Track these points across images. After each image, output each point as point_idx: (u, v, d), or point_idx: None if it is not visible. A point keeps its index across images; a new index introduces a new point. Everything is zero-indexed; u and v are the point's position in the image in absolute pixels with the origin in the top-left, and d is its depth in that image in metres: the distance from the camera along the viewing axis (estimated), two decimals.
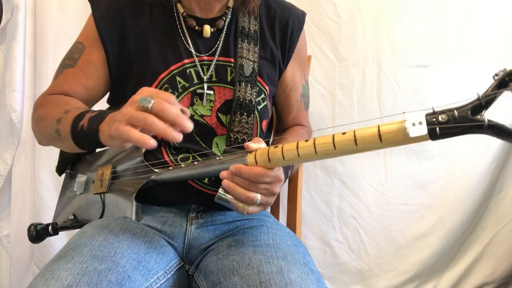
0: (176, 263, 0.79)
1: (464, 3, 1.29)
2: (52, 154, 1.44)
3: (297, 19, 0.93)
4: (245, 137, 0.83)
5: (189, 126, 0.58)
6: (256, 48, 0.87)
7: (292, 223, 1.05)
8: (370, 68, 1.34)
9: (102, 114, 0.68)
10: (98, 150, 0.94)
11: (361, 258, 1.43)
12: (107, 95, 0.92)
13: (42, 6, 1.38)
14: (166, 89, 0.81)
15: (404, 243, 1.41)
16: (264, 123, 0.89)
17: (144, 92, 0.60)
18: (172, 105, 0.57)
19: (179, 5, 0.87)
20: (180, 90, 0.82)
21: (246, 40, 0.86)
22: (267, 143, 0.99)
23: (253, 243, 0.75)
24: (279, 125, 1.03)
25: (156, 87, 0.81)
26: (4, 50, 1.42)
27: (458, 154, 1.35)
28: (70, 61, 0.86)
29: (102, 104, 0.93)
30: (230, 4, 0.89)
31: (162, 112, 0.56)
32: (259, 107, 0.86)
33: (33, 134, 1.43)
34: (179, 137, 0.57)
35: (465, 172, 1.36)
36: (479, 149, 1.34)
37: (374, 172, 1.39)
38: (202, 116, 0.83)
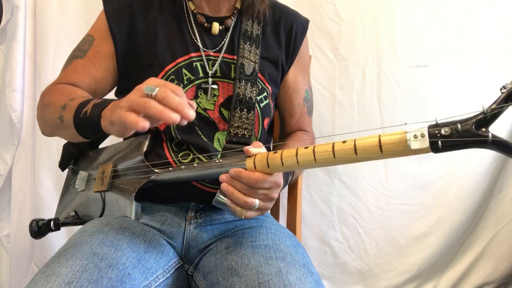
0: (175, 263, 0.79)
1: (464, 3, 1.29)
2: (52, 154, 1.44)
3: (300, 24, 0.96)
4: (245, 132, 0.84)
5: (191, 114, 0.57)
6: (258, 50, 0.89)
7: (292, 223, 1.05)
8: (370, 68, 1.34)
9: (106, 101, 0.69)
10: (100, 146, 0.95)
11: (361, 258, 1.43)
12: (115, 88, 0.93)
13: (42, 6, 1.38)
14: (172, 81, 0.83)
15: (404, 243, 1.41)
16: (266, 121, 0.90)
17: (151, 81, 0.60)
18: (177, 95, 0.57)
19: (189, 3, 0.89)
20: (185, 82, 0.84)
21: (248, 42, 0.88)
22: (268, 148, 0.99)
23: (252, 243, 0.75)
24: (282, 130, 1.04)
25: (162, 78, 0.83)
26: (4, 50, 1.42)
27: (458, 154, 1.35)
28: (79, 53, 0.88)
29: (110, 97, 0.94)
30: (238, 5, 0.92)
31: (164, 99, 0.56)
32: (261, 105, 0.87)
33: (33, 134, 1.45)
34: (175, 118, 0.56)
35: (465, 172, 1.36)
36: (479, 149, 1.34)
37: (374, 172, 1.39)
38: (205, 109, 0.85)
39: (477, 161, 1.35)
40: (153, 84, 0.58)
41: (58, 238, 1.47)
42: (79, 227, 0.84)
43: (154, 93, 0.57)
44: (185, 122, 0.58)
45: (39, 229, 0.91)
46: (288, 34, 0.93)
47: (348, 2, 1.33)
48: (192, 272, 0.81)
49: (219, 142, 0.85)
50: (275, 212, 1.14)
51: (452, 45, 1.31)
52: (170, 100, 0.56)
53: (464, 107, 1.31)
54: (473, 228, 1.43)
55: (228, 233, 0.83)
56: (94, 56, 0.87)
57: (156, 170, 0.78)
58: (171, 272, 0.77)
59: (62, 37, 1.40)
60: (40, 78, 1.41)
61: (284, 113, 1.00)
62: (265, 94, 0.88)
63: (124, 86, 0.91)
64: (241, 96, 0.84)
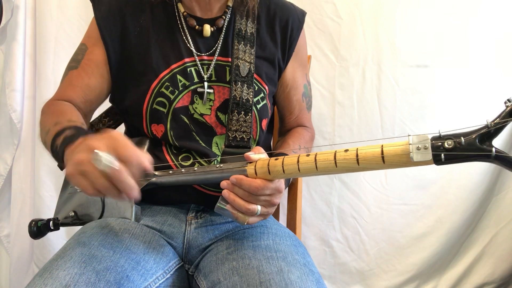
0: (176, 263, 0.79)
1: (464, 3, 1.29)
2: None
3: (296, 18, 0.93)
4: (244, 136, 0.83)
5: (135, 198, 0.59)
6: (253, 50, 0.87)
7: (292, 223, 1.05)
8: (370, 68, 1.34)
9: (73, 137, 0.67)
10: None
11: (361, 258, 1.43)
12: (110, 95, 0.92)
13: (42, 6, 1.38)
14: (167, 87, 0.82)
15: (404, 243, 1.41)
16: (264, 122, 0.89)
17: (103, 143, 0.58)
18: (128, 174, 0.57)
19: (179, 5, 0.88)
20: (180, 88, 0.83)
21: (242, 42, 0.87)
22: (268, 146, 0.99)
23: (253, 243, 0.75)
24: (281, 127, 1.03)
25: (157, 85, 0.82)
26: (4, 50, 1.42)
27: None
28: (74, 63, 0.88)
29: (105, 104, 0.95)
30: (230, 3, 0.89)
31: (117, 184, 0.57)
32: (258, 106, 0.86)
33: (33, 134, 1.46)
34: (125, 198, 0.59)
35: (465, 172, 1.36)
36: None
37: (374, 172, 1.39)
38: (201, 115, 0.84)
39: None
40: (105, 149, 0.57)
41: (58, 238, 1.47)
42: (79, 227, 0.85)
43: (108, 171, 0.56)
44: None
45: (38, 229, 0.91)
46: (283, 30, 0.91)
47: (348, 2, 1.33)
48: (192, 272, 0.81)
49: (218, 146, 0.85)
50: (275, 212, 1.14)
51: (452, 45, 1.31)
52: (121, 187, 0.57)
53: (464, 107, 1.31)
54: (473, 228, 1.43)
55: (229, 233, 0.83)
56: (87, 64, 0.86)
57: (156, 173, 0.78)
58: (171, 272, 0.77)
59: (62, 37, 1.40)
60: (40, 78, 1.41)
61: (283, 110, 0.98)
62: (262, 95, 0.87)
63: (117, 93, 0.89)
64: (238, 99, 0.83)
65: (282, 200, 1.18)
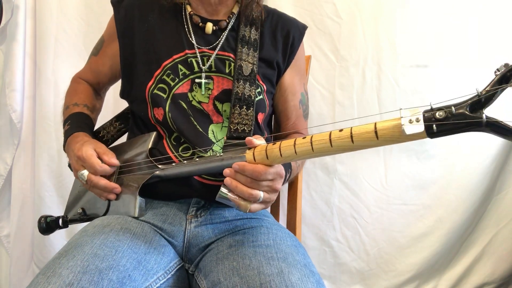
0: (176, 263, 0.80)
1: (464, 3, 1.29)
2: (52, 154, 1.44)
3: (298, 30, 0.98)
4: (245, 128, 0.86)
5: (111, 197, 0.84)
6: (256, 53, 0.91)
7: (292, 223, 1.05)
8: (370, 68, 1.34)
9: (67, 134, 0.91)
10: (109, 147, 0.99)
11: (361, 258, 1.43)
12: (119, 90, 0.99)
13: (42, 6, 1.39)
14: (168, 75, 0.88)
15: (404, 243, 1.41)
16: (260, 116, 0.91)
17: (77, 164, 0.84)
18: (99, 180, 0.81)
19: (187, 6, 0.94)
20: (181, 76, 0.88)
21: (246, 46, 0.91)
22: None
23: (253, 243, 0.75)
24: (278, 132, 1.04)
25: (160, 72, 0.88)
26: (4, 50, 1.42)
27: (458, 154, 1.35)
28: (95, 50, 1.05)
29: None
30: (235, 10, 0.95)
31: (94, 187, 0.83)
32: (255, 100, 0.89)
33: (33, 134, 1.46)
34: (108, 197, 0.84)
35: (465, 172, 1.36)
36: (479, 149, 1.34)
37: (374, 172, 1.39)
38: (199, 102, 0.88)
39: (477, 161, 1.35)
40: (78, 169, 0.83)
41: (58, 239, 1.47)
42: (80, 227, 0.86)
43: (84, 181, 0.83)
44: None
45: (48, 225, 0.94)
46: (285, 38, 0.96)
47: (348, 2, 1.33)
48: (193, 272, 0.81)
49: (214, 134, 0.88)
50: (275, 212, 1.14)
51: (452, 45, 1.31)
52: (98, 188, 0.82)
53: None
54: (473, 228, 1.43)
55: (229, 233, 0.83)
56: (103, 54, 1.02)
57: (159, 166, 0.81)
58: (172, 273, 0.77)
59: (62, 37, 1.40)
60: (40, 78, 1.41)
61: (280, 114, 1.01)
62: (259, 90, 0.90)
63: (126, 85, 0.96)
64: (240, 95, 0.87)
65: (282, 200, 1.18)
